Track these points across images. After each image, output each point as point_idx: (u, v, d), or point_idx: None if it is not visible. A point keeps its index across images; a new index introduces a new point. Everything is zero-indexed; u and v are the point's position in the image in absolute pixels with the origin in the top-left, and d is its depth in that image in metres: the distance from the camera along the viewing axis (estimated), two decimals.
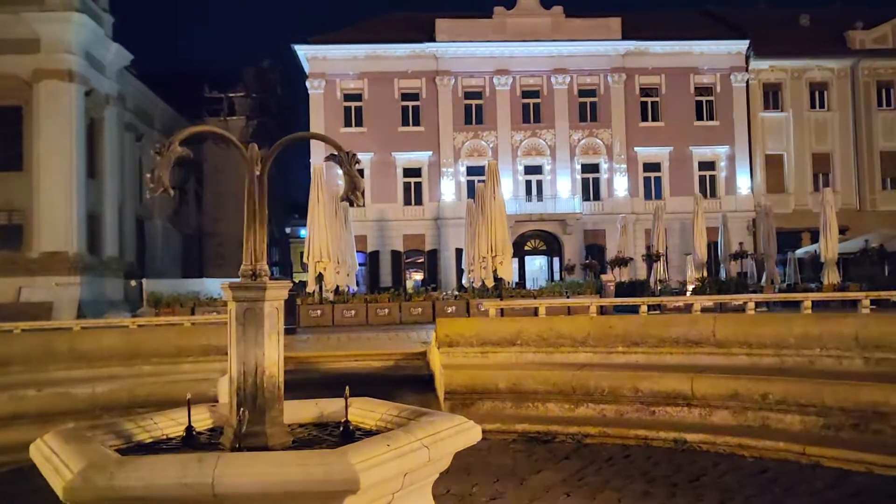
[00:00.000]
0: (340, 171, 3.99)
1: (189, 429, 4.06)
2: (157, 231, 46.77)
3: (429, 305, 23.80)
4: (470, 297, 23.79)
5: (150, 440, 4.07)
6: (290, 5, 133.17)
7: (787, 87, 44.22)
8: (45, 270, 32.99)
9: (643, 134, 43.44)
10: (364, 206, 39.83)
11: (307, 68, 43.07)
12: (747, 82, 43.80)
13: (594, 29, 43.11)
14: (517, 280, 37.45)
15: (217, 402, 7.34)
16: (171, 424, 4.25)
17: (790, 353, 8.22)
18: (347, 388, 4.17)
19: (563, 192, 42.69)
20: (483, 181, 25.49)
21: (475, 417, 4.58)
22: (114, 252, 38.74)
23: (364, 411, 4.46)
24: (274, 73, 58.02)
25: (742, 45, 43.46)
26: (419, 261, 43.44)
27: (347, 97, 43.00)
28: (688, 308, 16.82)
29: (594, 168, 43.71)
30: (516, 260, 37.35)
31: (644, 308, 15.10)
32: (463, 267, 28.68)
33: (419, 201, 43.00)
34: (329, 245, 22.87)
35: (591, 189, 43.58)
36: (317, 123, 42.02)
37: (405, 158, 42.79)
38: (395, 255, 42.70)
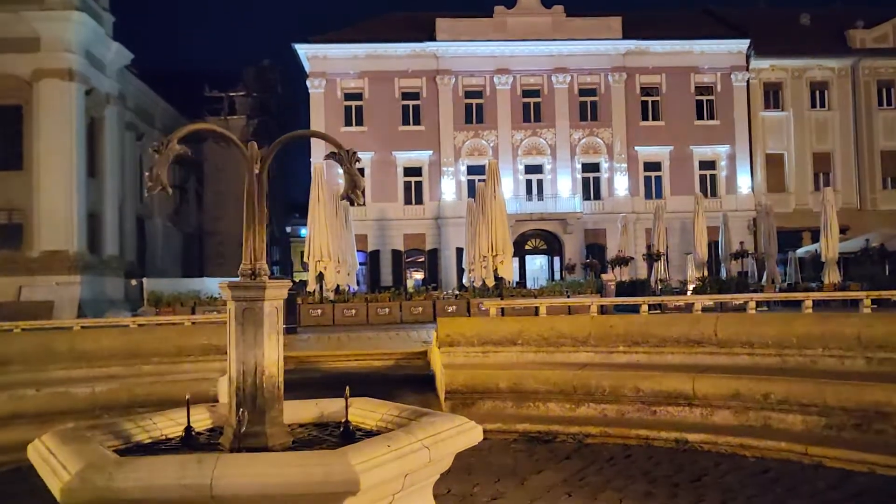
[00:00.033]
0: (341, 171, 3.97)
1: (188, 429, 4.04)
2: (158, 230, 46.77)
3: (429, 305, 23.78)
4: (470, 297, 23.77)
5: (150, 440, 4.05)
6: (290, 5, 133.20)
7: (787, 87, 44.18)
8: (45, 270, 32.98)
9: (644, 133, 43.41)
10: (364, 204, 39.62)
11: (308, 67, 43.04)
12: (748, 81, 43.76)
13: (595, 28, 43.08)
14: (518, 279, 37.44)
15: (217, 401, 7.32)
16: (170, 424, 4.22)
17: (792, 352, 8.19)
18: (348, 388, 4.14)
19: (564, 191, 42.66)
20: (483, 180, 25.47)
21: (476, 417, 4.56)
22: (114, 251, 38.73)
23: (364, 411, 4.44)
24: (274, 72, 58.04)
25: (742, 45, 43.42)
26: (420, 260, 43.43)
27: (348, 96, 42.97)
28: (688, 307, 16.78)
29: (595, 167, 43.68)
30: (517, 259, 37.34)
31: (645, 307, 15.07)
32: (463, 266, 28.65)
33: (420, 200, 42.98)
34: (330, 244, 22.85)
35: (591, 188, 43.55)
36: (317, 122, 42.02)
37: (406, 158, 42.77)
38: (396, 254, 42.67)
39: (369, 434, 4.03)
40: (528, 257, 43.41)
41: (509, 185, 40.04)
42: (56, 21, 33.86)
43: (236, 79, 53.10)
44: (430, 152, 42.68)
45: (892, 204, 43.05)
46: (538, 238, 43.27)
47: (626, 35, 42.92)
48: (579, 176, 43.32)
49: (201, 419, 4.37)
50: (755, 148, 43.76)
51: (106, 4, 38.42)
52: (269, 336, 3.92)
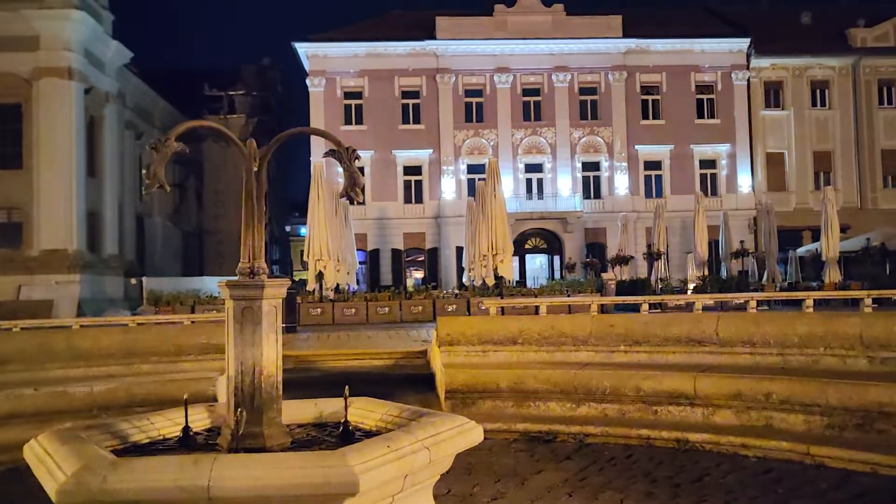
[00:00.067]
0: (341, 170, 3.93)
1: (186, 429, 4.00)
2: (157, 229, 46.75)
3: (429, 304, 23.75)
4: (470, 296, 23.74)
5: (147, 441, 4.02)
6: (290, 3, 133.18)
7: (788, 85, 44.14)
8: (44, 268, 32.96)
9: (644, 132, 43.37)
10: (364, 203, 39.92)
11: (307, 66, 43.01)
12: (748, 80, 43.72)
13: (595, 27, 43.04)
14: (518, 278, 37.40)
15: (216, 401, 7.29)
16: (168, 424, 4.19)
17: (794, 352, 8.16)
18: (347, 387, 4.11)
19: (564, 190, 42.63)
20: (483, 179, 25.42)
21: (476, 417, 4.53)
22: (114, 250, 38.70)
23: (364, 411, 4.40)
24: (274, 71, 58.04)
25: (743, 43, 43.37)
26: (419, 259, 43.41)
27: (348, 95, 42.93)
28: (689, 307, 16.75)
29: (595, 166, 43.64)
30: (517, 258, 37.32)
31: (645, 307, 15.04)
32: (463, 265, 28.61)
33: (419, 199, 42.94)
34: (329, 243, 22.81)
35: (591, 187, 43.51)
36: (317, 121, 41.98)
37: (405, 156, 42.73)
38: (396, 253, 42.64)
39: (369, 434, 4.00)
40: (528, 256, 43.39)
41: (509, 184, 40.01)
42: (55, 19, 33.82)
43: (236, 77, 53.09)
44: (430, 151, 42.64)
45: (893, 203, 43.00)
46: (538, 237, 43.24)
47: (627, 34, 42.87)
48: (579, 175, 43.29)
49: (199, 419, 4.34)
50: (756, 147, 43.73)
51: (105, 3, 38.37)
52: (267, 335, 3.88)
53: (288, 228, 67.10)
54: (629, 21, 42.95)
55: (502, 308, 16.52)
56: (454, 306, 23.44)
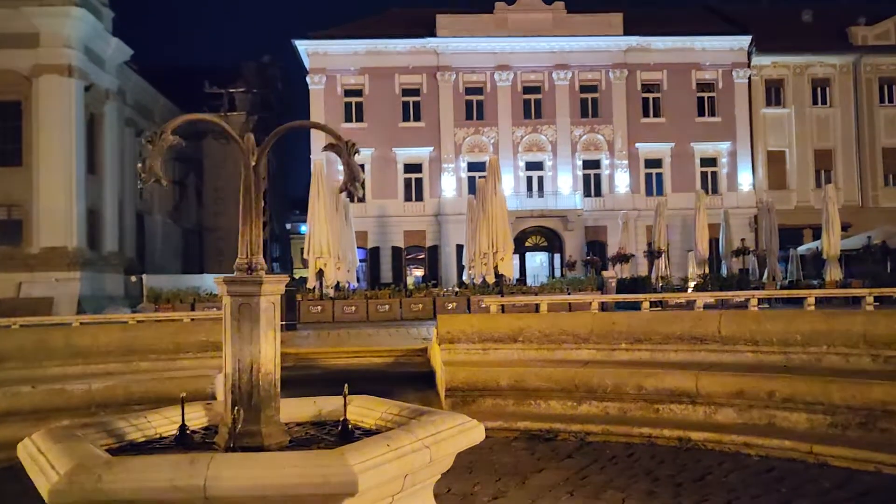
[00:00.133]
0: (341, 168, 3.89)
1: (183, 428, 3.95)
2: (158, 226, 46.73)
3: (429, 302, 23.73)
4: (471, 294, 23.71)
5: (143, 439, 3.97)
6: (291, 1, 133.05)
7: (789, 84, 44.09)
8: (44, 266, 32.96)
9: (645, 130, 43.32)
10: (363, 198, 39.86)
11: (308, 63, 42.96)
12: (749, 78, 43.67)
13: (596, 25, 42.98)
14: (518, 276, 37.40)
15: (215, 399, 7.24)
16: (165, 423, 4.14)
17: (797, 350, 8.12)
18: (346, 385, 4.05)
19: (564, 188, 42.60)
20: (484, 177, 25.41)
21: (476, 415, 4.48)
22: (114, 247, 38.69)
23: (364, 410, 4.35)
24: (275, 68, 57.96)
25: (744, 41, 43.32)
26: (420, 257, 43.37)
27: (348, 92, 42.89)
28: (690, 305, 16.71)
29: (595, 164, 43.60)
30: (517, 256, 37.29)
31: (646, 304, 14.98)
32: (464, 263, 28.57)
33: (420, 197, 42.91)
34: (329, 241, 22.78)
35: (592, 185, 43.47)
36: (317, 118, 41.84)
37: (406, 154, 42.69)
38: (396, 251, 42.61)
39: (368, 433, 3.95)
40: (528, 254, 43.35)
41: (510, 182, 39.98)
42: (55, 17, 33.78)
43: (236, 75, 52.98)
44: (431, 149, 42.60)
45: (894, 201, 42.97)
46: (539, 235, 43.21)
47: (628, 31, 42.82)
48: (580, 173, 43.26)
49: (197, 417, 4.29)
50: (756, 145, 43.69)
51: (105, 0, 38.31)
52: (265, 332, 3.83)
53: (288, 226, 67.07)
54: (630, 19, 42.91)
55: (503, 306, 16.46)
56: (454, 304, 23.42)
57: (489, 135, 42.89)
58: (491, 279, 23.31)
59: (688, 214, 34.09)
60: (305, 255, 23.57)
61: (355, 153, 3.77)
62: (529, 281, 37.58)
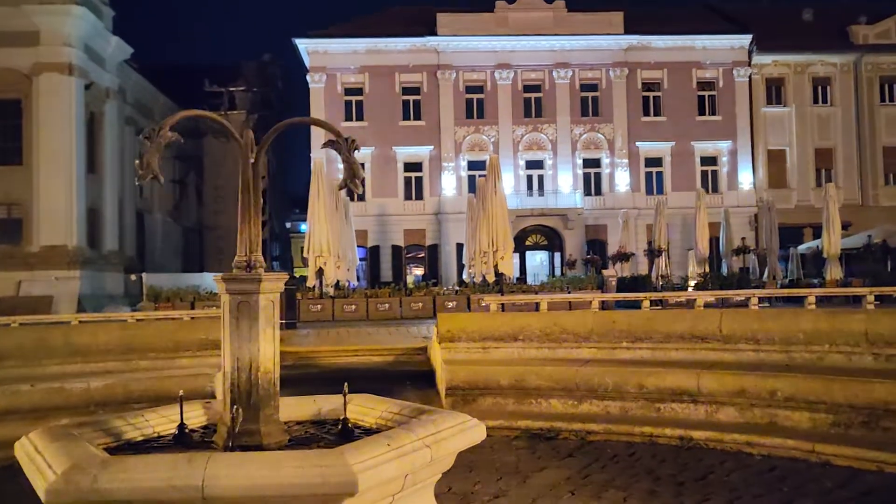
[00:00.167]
0: (341, 167, 3.85)
1: (181, 426, 3.92)
2: (158, 225, 46.68)
3: (429, 300, 23.70)
4: (471, 293, 23.67)
5: (141, 438, 3.94)
6: None
7: (789, 82, 44.03)
8: (44, 264, 32.91)
9: (645, 129, 43.28)
10: (363, 195, 39.80)
11: (308, 62, 42.91)
12: (750, 77, 43.61)
13: (596, 23, 42.91)
14: (518, 275, 37.37)
15: (214, 398, 7.21)
16: (163, 422, 4.11)
17: (798, 349, 8.09)
18: (346, 384, 4.02)
19: (565, 186, 42.56)
20: (484, 176, 25.36)
21: (477, 414, 4.45)
22: (114, 246, 38.65)
23: (364, 408, 4.32)
24: (275, 67, 57.88)
25: (745, 40, 43.25)
26: (420, 256, 43.34)
27: (348, 91, 42.84)
28: (690, 303, 16.67)
29: (595, 163, 43.54)
30: (517, 255, 37.26)
31: (647, 303, 14.95)
32: (464, 262, 28.53)
33: (420, 196, 42.87)
34: (329, 240, 22.73)
35: (592, 184, 43.42)
36: (317, 117, 41.72)
37: (406, 153, 42.64)
38: (396, 249, 42.58)
39: (368, 432, 3.92)
40: (528, 253, 43.31)
41: (510, 181, 39.93)
42: (55, 15, 33.70)
43: (236, 74, 52.91)
44: (431, 147, 42.56)
45: (894, 200, 42.92)
46: (539, 234, 43.18)
47: (628, 30, 42.75)
48: (580, 171, 43.21)
49: (196, 416, 4.26)
50: (757, 144, 43.64)
51: None
52: (264, 330, 3.79)
53: (288, 225, 67.03)
54: (630, 17, 42.83)
55: (503, 305, 16.43)
56: (454, 303, 23.39)
57: (489, 133, 42.85)
58: (491, 278, 23.28)
59: (688, 213, 34.06)
60: (305, 254, 23.53)
61: (355, 149, 3.74)
62: (530, 280, 37.54)
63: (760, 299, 17.18)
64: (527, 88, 43.20)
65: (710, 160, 43.74)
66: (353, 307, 23.09)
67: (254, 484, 3.03)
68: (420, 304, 23.51)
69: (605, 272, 28.49)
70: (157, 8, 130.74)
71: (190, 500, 2.99)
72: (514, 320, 9.90)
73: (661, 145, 43.21)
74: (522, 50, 42.69)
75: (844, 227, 29.58)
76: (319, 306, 22.76)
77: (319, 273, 23.00)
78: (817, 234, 30.54)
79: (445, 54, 42.67)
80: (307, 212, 23.40)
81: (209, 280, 29.04)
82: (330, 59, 42.54)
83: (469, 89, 43.06)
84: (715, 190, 42.51)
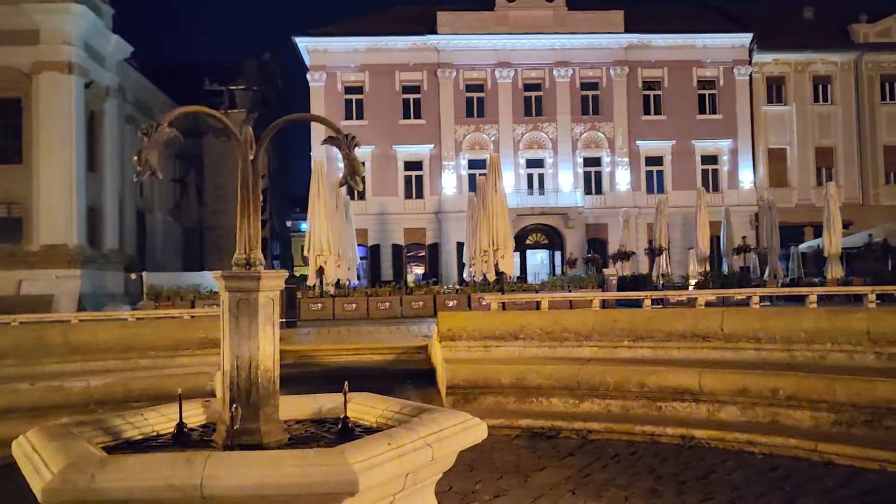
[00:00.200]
0: (341, 165, 3.83)
1: (180, 425, 3.89)
2: (158, 224, 46.65)
3: (430, 299, 23.70)
4: (471, 291, 23.67)
5: (140, 437, 3.91)
6: None
7: (790, 81, 44.00)
8: (45, 263, 32.89)
9: (645, 127, 43.25)
10: (363, 193, 39.81)
11: (308, 61, 42.89)
12: (750, 76, 43.57)
13: (597, 22, 42.89)
14: (519, 274, 37.33)
15: (214, 396, 7.19)
16: (162, 420, 4.08)
17: (800, 347, 8.07)
18: (346, 383, 3.99)
19: (565, 185, 42.54)
20: (484, 174, 25.33)
21: (478, 413, 4.43)
22: (114, 245, 38.64)
23: (364, 407, 4.29)
24: (275, 65, 57.82)
25: (745, 39, 43.21)
26: (420, 254, 43.32)
27: (348, 90, 42.82)
28: (691, 302, 16.66)
29: (596, 161, 43.52)
30: (518, 254, 37.23)
31: (648, 302, 14.93)
32: (464, 261, 28.52)
33: (420, 195, 42.85)
34: (330, 238, 22.71)
35: (592, 183, 43.39)
36: None
37: (406, 151, 42.62)
38: (396, 248, 42.57)
39: (369, 431, 3.90)
40: (528, 252, 43.28)
41: (510, 180, 39.91)
42: (55, 13, 33.68)
43: (236, 72, 52.87)
44: (431, 146, 42.54)
45: (895, 199, 42.88)
46: (539, 232, 43.15)
47: (628, 29, 42.72)
48: (581, 170, 43.20)
49: (195, 415, 4.23)
50: (757, 142, 43.61)
51: None
52: (264, 328, 3.77)
53: (289, 224, 67.00)
54: (631, 16, 42.81)
55: (503, 303, 16.42)
56: (455, 302, 23.39)
57: (490, 132, 42.83)
58: (491, 277, 23.26)
59: (689, 212, 34.02)
60: (306, 253, 23.50)
61: (355, 146, 3.71)
62: (530, 278, 37.50)
63: (762, 298, 17.18)
64: (527, 87, 43.18)
65: (710, 159, 43.71)
66: (354, 306, 23.09)
67: (253, 483, 3.00)
68: (420, 303, 23.50)
69: (605, 271, 28.49)
70: (157, 6, 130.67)
71: (189, 499, 2.96)
72: (514, 319, 9.88)
73: (661, 144, 43.19)
74: (523, 48, 42.66)
75: (845, 225, 29.58)
76: (320, 305, 22.76)
77: (320, 272, 22.98)
78: (818, 232, 30.52)
79: (446, 53, 42.65)
80: (307, 211, 23.37)
81: (209, 279, 29.02)
82: (330, 57, 42.53)
83: (469, 88, 43.03)
84: (715, 189, 42.49)
